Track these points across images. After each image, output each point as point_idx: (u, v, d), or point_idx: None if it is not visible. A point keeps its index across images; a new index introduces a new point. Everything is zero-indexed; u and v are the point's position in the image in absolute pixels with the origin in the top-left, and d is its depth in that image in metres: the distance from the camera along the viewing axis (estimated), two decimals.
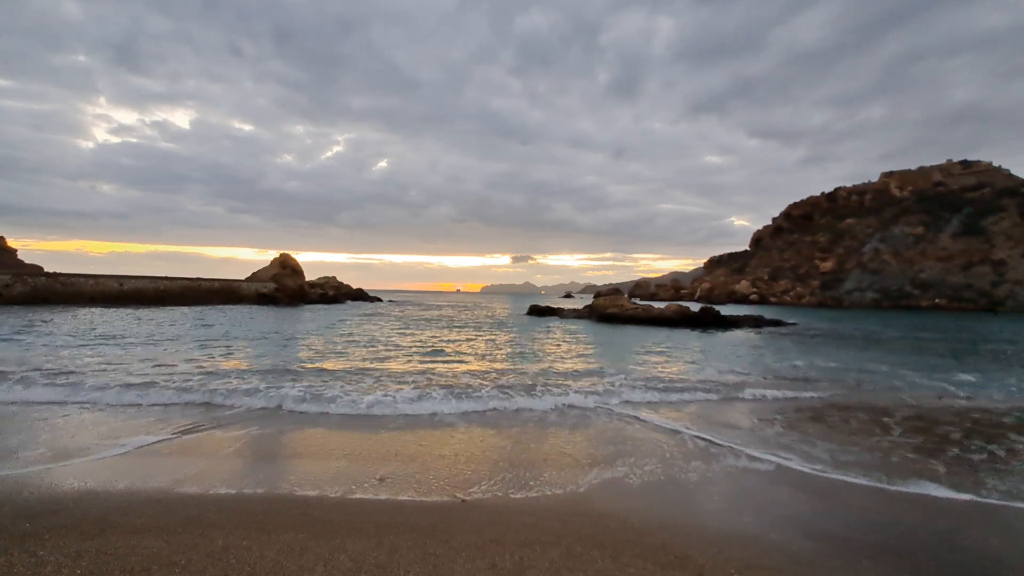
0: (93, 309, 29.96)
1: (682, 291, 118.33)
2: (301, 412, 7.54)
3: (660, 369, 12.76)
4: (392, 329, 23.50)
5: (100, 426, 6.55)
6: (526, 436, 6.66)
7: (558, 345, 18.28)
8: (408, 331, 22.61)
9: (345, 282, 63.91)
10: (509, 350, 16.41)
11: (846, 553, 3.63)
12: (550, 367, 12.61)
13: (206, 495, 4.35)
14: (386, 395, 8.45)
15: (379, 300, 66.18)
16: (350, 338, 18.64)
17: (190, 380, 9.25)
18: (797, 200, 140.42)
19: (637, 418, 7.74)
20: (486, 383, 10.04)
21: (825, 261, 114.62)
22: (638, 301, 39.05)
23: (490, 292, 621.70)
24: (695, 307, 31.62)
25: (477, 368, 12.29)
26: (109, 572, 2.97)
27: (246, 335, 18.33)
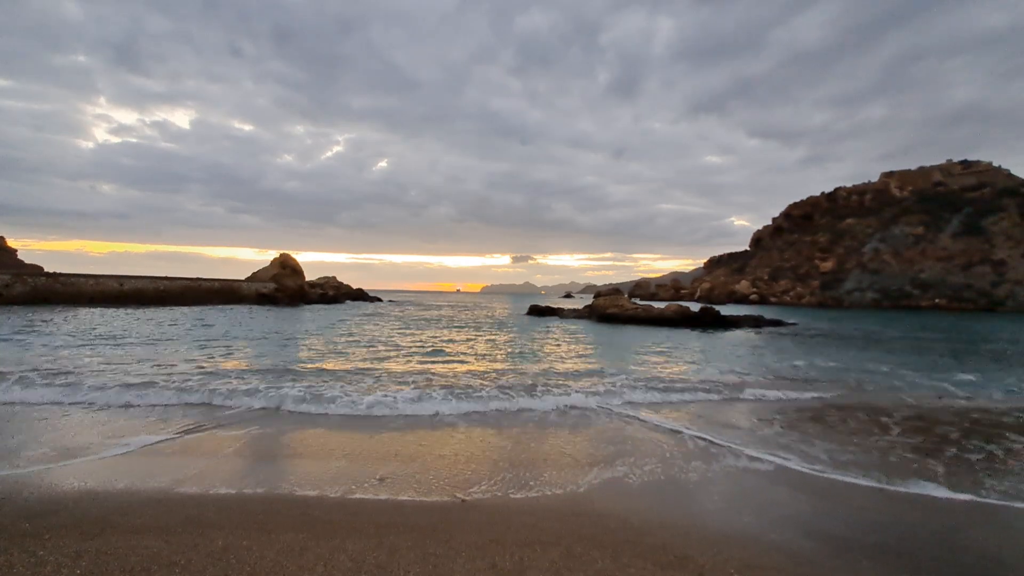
0: (93, 309, 29.96)
1: (682, 291, 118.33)
2: (301, 412, 7.54)
3: (660, 369, 12.76)
4: (392, 329, 23.50)
5: (100, 426, 6.55)
6: (526, 436, 6.67)
7: (558, 345, 18.28)
8: (408, 331, 22.61)
9: (345, 282, 63.94)
10: (509, 350, 16.40)
11: (846, 553, 3.63)
12: (550, 367, 12.61)
13: (206, 495, 4.35)
14: (386, 395, 8.45)
15: (379, 300, 66.18)
16: (350, 338, 18.64)
17: (190, 380, 9.25)
18: (797, 200, 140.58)
19: (637, 418, 7.74)
20: (486, 383, 10.04)
21: (825, 261, 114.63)
22: (638, 301, 39.05)
23: (490, 292, 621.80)
24: (695, 307, 31.61)
25: (477, 368, 12.29)
26: (109, 572, 2.97)
27: (246, 335, 18.33)
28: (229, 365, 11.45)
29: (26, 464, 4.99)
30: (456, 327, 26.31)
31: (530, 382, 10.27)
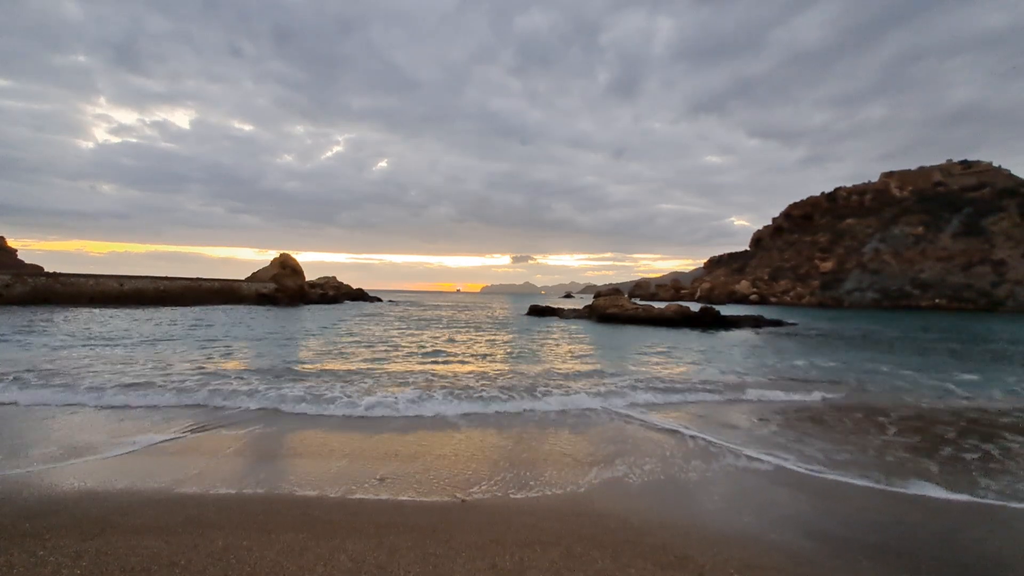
0: (93, 309, 29.96)
1: (682, 291, 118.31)
2: (301, 413, 7.54)
3: (660, 369, 12.76)
4: (392, 329, 23.49)
5: (101, 427, 6.55)
6: (526, 436, 6.66)
7: (558, 345, 18.28)
8: (408, 331, 22.61)
9: (345, 282, 63.95)
10: (509, 350, 16.40)
11: (846, 553, 3.63)
12: (550, 367, 12.61)
13: (206, 495, 4.35)
14: (386, 396, 8.45)
15: (379, 300, 66.19)
16: (350, 338, 18.64)
17: (190, 381, 9.25)
18: (797, 200, 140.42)
19: (637, 418, 7.74)
20: (486, 384, 10.04)
21: (825, 261, 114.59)
22: (638, 301, 39.04)
23: (490, 292, 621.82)
24: (695, 307, 31.60)
25: (477, 369, 12.29)
26: (109, 572, 2.97)
27: (246, 335, 18.33)
28: (229, 365, 11.45)
29: (26, 464, 4.99)
30: (456, 327, 26.31)
31: (530, 382, 10.27)
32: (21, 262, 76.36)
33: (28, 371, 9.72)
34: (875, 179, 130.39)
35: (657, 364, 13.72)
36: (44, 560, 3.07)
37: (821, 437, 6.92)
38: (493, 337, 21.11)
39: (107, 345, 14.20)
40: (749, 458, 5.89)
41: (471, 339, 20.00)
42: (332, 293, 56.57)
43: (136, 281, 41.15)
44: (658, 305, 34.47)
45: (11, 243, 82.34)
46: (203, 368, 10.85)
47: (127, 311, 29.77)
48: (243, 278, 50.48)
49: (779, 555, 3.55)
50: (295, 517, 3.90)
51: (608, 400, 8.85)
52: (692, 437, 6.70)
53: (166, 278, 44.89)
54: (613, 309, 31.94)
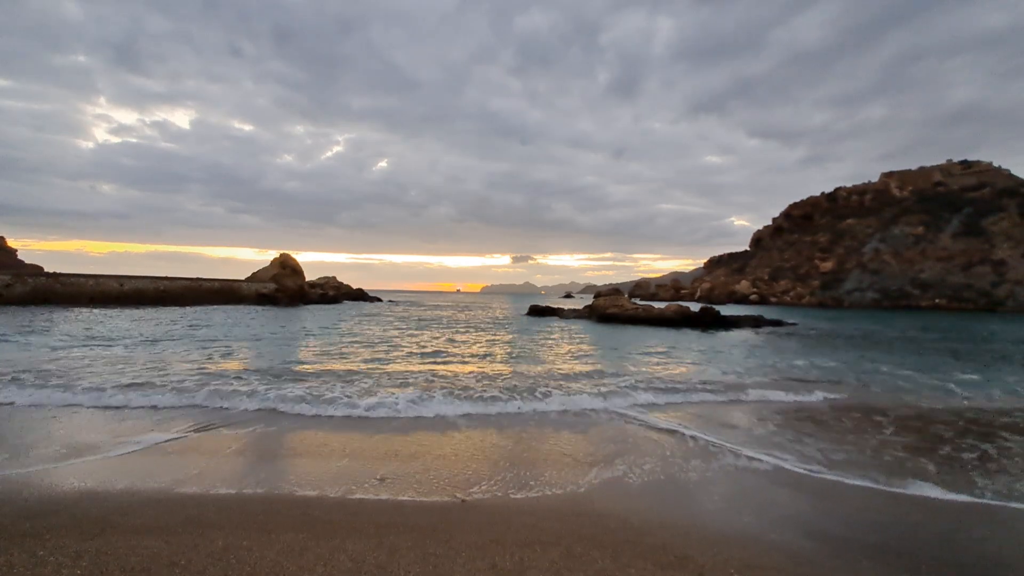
0: (93, 309, 29.96)
1: (682, 291, 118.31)
2: (301, 413, 7.53)
3: (660, 369, 12.76)
4: (392, 330, 23.49)
5: (101, 427, 6.55)
6: (526, 436, 6.67)
7: (558, 345, 18.28)
8: (408, 332, 22.61)
9: (345, 282, 63.96)
10: (509, 351, 16.41)
11: (846, 553, 3.63)
12: (550, 368, 12.61)
13: (206, 495, 4.35)
14: (386, 396, 8.45)
15: (379, 300, 66.16)
16: (350, 339, 18.64)
17: (190, 381, 9.25)
18: (797, 200, 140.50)
19: (637, 418, 7.74)
20: (486, 384, 10.04)
21: (825, 261, 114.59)
22: (638, 301, 39.03)
23: (490, 292, 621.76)
24: (695, 307, 31.60)
25: (477, 369, 12.29)
26: (109, 572, 2.97)
27: (246, 335, 18.33)
28: (229, 366, 11.45)
29: (25, 464, 4.99)
30: (456, 327, 26.31)
31: (530, 383, 10.27)
32: (21, 262, 76.39)
33: (28, 371, 9.71)
34: (875, 179, 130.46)
35: (657, 364, 13.72)
36: (44, 560, 3.07)
37: (821, 437, 6.92)
38: (493, 337, 21.11)
39: (107, 345, 14.19)
40: (749, 458, 5.89)
41: (471, 339, 20.00)
42: (332, 293, 56.58)
43: (136, 281, 41.16)
44: (658, 305, 34.47)
45: (11, 243, 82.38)
46: (203, 368, 10.86)
47: (127, 311, 29.76)
48: (243, 278, 50.48)
49: (779, 555, 3.55)
50: (295, 517, 3.90)
51: (608, 400, 8.84)
52: (692, 437, 6.71)
53: (166, 278, 44.92)
54: (613, 309, 31.94)
